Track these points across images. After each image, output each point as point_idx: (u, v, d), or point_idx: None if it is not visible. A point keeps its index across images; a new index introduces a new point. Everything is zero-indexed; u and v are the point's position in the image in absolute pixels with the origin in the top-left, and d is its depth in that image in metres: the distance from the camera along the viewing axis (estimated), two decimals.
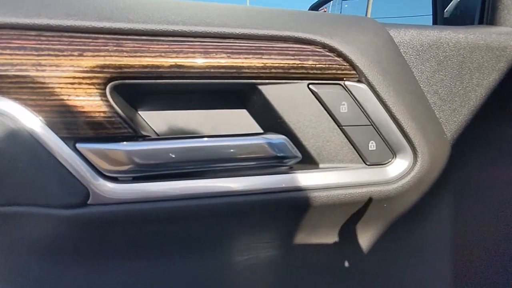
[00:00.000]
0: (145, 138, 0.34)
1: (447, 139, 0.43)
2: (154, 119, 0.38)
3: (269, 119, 0.37)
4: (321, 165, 0.37)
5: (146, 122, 0.37)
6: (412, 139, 0.38)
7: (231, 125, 0.39)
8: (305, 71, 0.36)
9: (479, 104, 0.44)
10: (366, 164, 0.38)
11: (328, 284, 0.43)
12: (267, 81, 0.35)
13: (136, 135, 0.33)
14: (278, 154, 0.36)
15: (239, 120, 0.39)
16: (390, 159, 0.39)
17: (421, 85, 0.41)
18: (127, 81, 0.32)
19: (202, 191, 0.34)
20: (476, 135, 0.44)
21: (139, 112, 0.38)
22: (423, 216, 0.43)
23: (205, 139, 0.35)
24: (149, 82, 0.33)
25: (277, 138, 0.36)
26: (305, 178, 0.36)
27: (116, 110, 0.32)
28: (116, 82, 0.32)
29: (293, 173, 0.36)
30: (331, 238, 0.41)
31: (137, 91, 0.35)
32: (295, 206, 0.37)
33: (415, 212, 0.41)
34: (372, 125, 0.38)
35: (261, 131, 0.39)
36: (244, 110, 0.39)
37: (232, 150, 0.35)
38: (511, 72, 0.44)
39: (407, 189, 0.39)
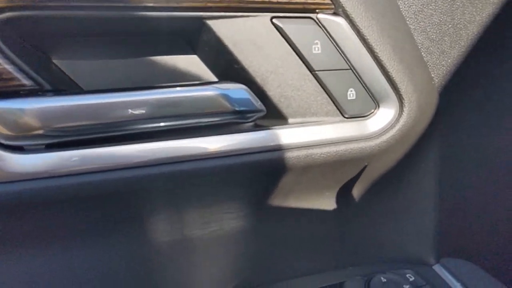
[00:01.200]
0: (58, 92, 0.26)
1: (435, 86, 0.37)
2: (76, 70, 0.29)
3: (224, 64, 0.29)
4: (290, 120, 0.31)
5: (64, 73, 0.29)
6: (399, 85, 0.32)
7: (177, 74, 0.31)
8: (267, 0, 0.28)
9: (470, 44, 0.38)
10: (345, 117, 0.32)
11: (307, 251, 0.38)
12: (218, 13, 0.27)
13: (42, 89, 0.25)
14: (237, 108, 0.29)
15: (187, 68, 0.31)
16: (372, 110, 0.33)
17: (408, 22, 0.34)
18: (25, 12, 0.23)
19: (142, 159, 0.26)
20: (465, 81, 0.39)
21: (55, 61, 0.29)
22: (408, 175, 0.38)
23: (143, 91, 0.27)
24: (58, 14, 0.24)
25: (235, 88, 0.29)
26: (272, 136, 0.29)
27: (7, 54, 0.23)
28: (9, 14, 0.23)
29: (257, 130, 0.29)
30: (306, 202, 0.36)
31: (46, 30, 0.26)
32: (263, 170, 0.30)
33: (400, 170, 0.36)
34: (351, 69, 0.31)
35: (216, 79, 0.31)
36: (195, 56, 0.31)
37: (178, 105, 0.27)
38: (507, 5, 0.38)
39: (392, 145, 0.33)
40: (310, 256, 0.37)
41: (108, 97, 0.26)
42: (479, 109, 0.41)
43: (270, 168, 0.30)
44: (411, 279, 0.35)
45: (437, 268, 0.38)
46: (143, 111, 0.26)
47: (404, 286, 0.34)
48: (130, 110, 0.26)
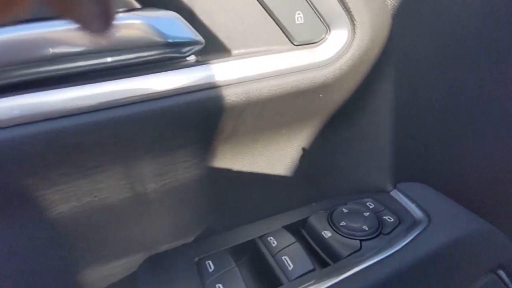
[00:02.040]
0: None
1: (388, 7, 0.34)
2: None
3: None
4: (234, 52, 0.27)
5: None
6: (349, 4, 0.29)
7: None
8: None
9: None
10: (294, 44, 0.29)
11: (268, 192, 0.37)
12: None
13: None
14: (170, 40, 0.25)
15: None
16: (323, 35, 0.30)
17: None
18: None
19: (71, 106, 0.22)
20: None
21: None
22: (363, 104, 0.37)
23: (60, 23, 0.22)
24: None
25: (165, 15, 0.24)
26: (214, 71, 0.26)
27: None
28: None
29: (197, 66, 0.26)
30: (263, 142, 0.34)
31: None
32: (208, 110, 0.27)
33: (354, 100, 0.35)
34: None
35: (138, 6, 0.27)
36: None
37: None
38: None
39: (346, 72, 0.31)
40: (272, 197, 0.36)
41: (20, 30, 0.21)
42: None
43: (216, 107, 0.27)
44: (371, 207, 0.36)
45: (394, 193, 0.38)
46: (64, 49, 0.22)
47: (365, 213, 0.34)
48: (50, 49, 0.22)
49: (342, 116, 0.34)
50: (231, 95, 0.27)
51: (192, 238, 0.35)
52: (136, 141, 0.27)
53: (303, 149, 0.36)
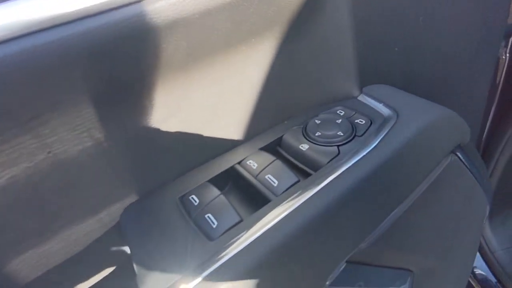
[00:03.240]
0: None
1: None
2: None
3: None
4: None
5: None
6: None
7: None
8: None
9: None
10: None
11: (229, 123, 0.35)
12: None
13: None
14: None
15: None
16: None
17: None
18: None
19: None
20: None
21: None
22: (320, 11, 0.34)
23: None
24: None
25: None
26: None
27: None
28: None
29: None
30: (213, 65, 0.29)
31: None
32: (118, 39, 0.23)
33: (311, 7, 0.32)
34: None
35: None
36: None
37: None
38: None
39: None
40: (242, 122, 0.35)
41: None
42: None
43: (137, 29, 0.23)
44: (342, 113, 0.36)
45: (362, 97, 0.39)
46: None
47: (337, 121, 0.34)
48: None
49: (301, 20, 0.32)
50: (159, 11, 0.23)
51: (170, 179, 0.33)
52: (73, 81, 0.23)
53: (266, 64, 0.34)
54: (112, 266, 0.34)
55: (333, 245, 0.28)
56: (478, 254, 1.02)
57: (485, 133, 0.89)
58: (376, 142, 0.31)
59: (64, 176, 0.27)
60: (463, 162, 0.42)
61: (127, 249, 0.34)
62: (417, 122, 0.33)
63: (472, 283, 0.99)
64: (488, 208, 0.65)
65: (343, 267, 0.31)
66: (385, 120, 0.34)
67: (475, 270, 1.00)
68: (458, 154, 0.39)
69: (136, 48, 0.24)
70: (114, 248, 0.33)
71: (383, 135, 0.32)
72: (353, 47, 0.37)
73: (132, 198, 0.31)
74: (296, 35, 0.33)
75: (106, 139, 0.28)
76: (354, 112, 0.36)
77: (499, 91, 0.78)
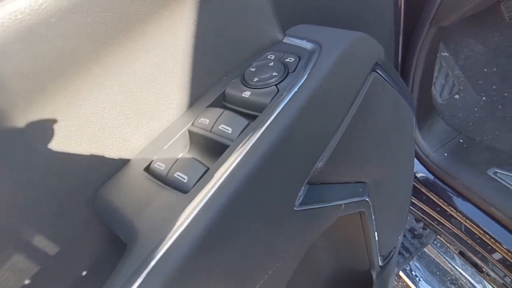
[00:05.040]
0: None
1: None
2: None
3: None
4: None
5: None
6: None
7: None
8: None
9: None
10: None
11: (171, 95, 0.35)
12: None
13: None
14: None
15: None
16: None
17: None
18: None
19: None
20: None
21: None
22: None
23: None
24: None
25: None
26: None
27: None
28: None
29: None
30: (137, 40, 0.30)
31: None
32: None
33: None
34: None
35: None
36: None
37: None
38: None
39: None
40: (182, 88, 0.36)
41: None
42: None
43: None
44: (273, 57, 0.39)
45: (286, 39, 0.42)
46: None
47: (270, 64, 0.37)
48: None
49: None
50: None
51: (128, 155, 0.34)
52: None
53: (191, 29, 0.35)
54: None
55: (292, 168, 0.31)
56: (417, 160, 1.18)
57: (399, 54, 0.99)
58: (307, 73, 0.35)
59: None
60: (384, 78, 0.48)
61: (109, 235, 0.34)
62: (338, 48, 0.37)
63: (416, 185, 1.14)
64: (414, 118, 0.76)
65: (306, 189, 0.35)
66: (311, 53, 0.38)
67: (416, 174, 1.15)
68: (378, 71, 0.45)
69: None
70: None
71: (311, 65, 0.36)
72: None
73: (100, 182, 0.31)
74: None
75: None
76: (283, 54, 0.38)
77: (402, 14, 0.87)
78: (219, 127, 0.32)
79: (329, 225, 0.41)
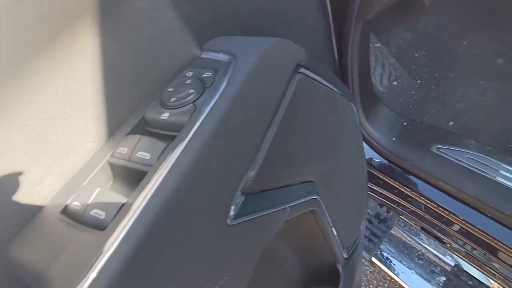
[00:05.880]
0: None
1: None
2: None
3: None
4: None
5: None
6: None
7: None
8: None
9: None
10: None
11: (88, 128, 0.34)
12: None
13: None
14: None
15: None
16: None
17: None
18: None
19: None
20: None
21: None
22: None
23: None
24: None
25: None
26: None
27: None
28: None
29: None
30: None
31: None
32: None
33: None
34: None
35: None
36: None
37: None
38: None
39: None
40: (102, 118, 0.34)
41: None
42: None
43: None
44: (190, 74, 0.38)
45: (204, 54, 0.42)
46: None
47: (187, 82, 0.36)
48: None
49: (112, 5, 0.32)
50: None
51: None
52: None
53: (99, 59, 0.34)
54: None
55: (218, 184, 0.31)
56: (370, 148, 1.23)
57: (335, 51, 1.03)
58: (224, 85, 0.35)
59: None
60: (310, 77, 0.49)
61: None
62: (252, 57, 0.37)
63: (372, 172, 1.19)
64: (354, 108, 0.79)
65: (241, 200, 0.35)
66: (227, 65, 0.38)
67: (371, 161, 1.20)
68: (302, 72, 0.46)
69: None
70: None
71: (228, 78, 0.36)
72: (174, 15, 0.39)
73: (10, 235, 0.29)
74: (114, 19, 0.33)
75: None
76: (200, 69, 0.38)
77: (330, 13, 0.91)
78: (137, 155, 0.31)
79: (275, 231, 0.41)
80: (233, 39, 0.43)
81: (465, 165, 0.97)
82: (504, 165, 0.94)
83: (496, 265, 0.96)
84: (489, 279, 1.03)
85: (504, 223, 0.88)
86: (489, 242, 0.93)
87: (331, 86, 0.59)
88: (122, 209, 0.27)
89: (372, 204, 1.38)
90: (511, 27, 1.30)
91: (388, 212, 1.34)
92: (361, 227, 0.88)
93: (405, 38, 1.44)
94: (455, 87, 1.22)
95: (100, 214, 0.27)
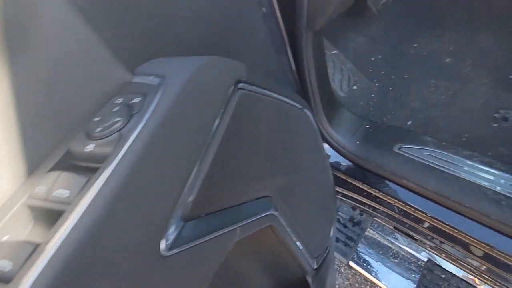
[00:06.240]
0: None
1: None
2: None
3: None
4: None
5: None
6: None
7: None
8: None
9: None
10: None
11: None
12: None
13: None
14: None
15: None
16: None
17: None
18: None
19: None
20: None
21: None
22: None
23: None
24: None
25: None
26: None
27: None
28: None
29: None
30: None
31: None
32: None
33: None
34: None
35: None
36: None
37: None
38: None
39: None
40: (23, 154, 0.32)
41: None
42: None
43: None
44: (120, 101, 0.37)
45: (135, 78, 0.40)
46: None
47: (113, 110, 0.35)
48: None
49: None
50: None
51: None
52: None
53: (13, 95, 0.32)
54: None
55: (145, 215, 0.29)
56: (338, 154, 1.24)
57: (291, 62, 1.05)
58: (151, 110, 0.33)
59: None
60: (252, 92, 0.49)
61: None
62: (182, 78, 0.37)
63: (341, 176, 1.20)
64: (308, 114, 0.79)
65: (179, 228, 0.34)
66: (156, 88, 0.37)
67: (339, 165, 1.22)
68: (243, 87, 0.46)
69: None
70: None
71: (156, 102, 0.34)
72: (98, 40, 0.37)
73: None
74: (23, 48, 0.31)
75: None
76: (129, 95, 0.37)
77: (282, 25, 0.92)
78: (56, 193, 0.29)
79: (224, 255, 0.40)
80: (167, 60, 0.42)
81: (425, 162, 1.00)
82: (460, 158, 0.98)
83: (464, 256, 0.99)
84: (461, 270, 1.05)
85: (465, 214, 0.90)
86: (454, 234, 0.95)
87: (279, 97, 0.59)
88: (31, 256, 0.24)
89: (346, 208, 1.39)
90: (455, 27, 1.38)
91: (361, 215, 1.35)
92: (331, 234, 0.88)
93: (361, 43, 1.50)
94: (410, 87, 1.27)
95: (5, 266, 0.24)
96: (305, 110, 0.79)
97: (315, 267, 0.72)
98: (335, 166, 1.20)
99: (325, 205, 0.89)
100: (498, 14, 1.35)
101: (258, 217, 0.49)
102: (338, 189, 1.25)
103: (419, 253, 1.19)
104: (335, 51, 1.41)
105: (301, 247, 0.64)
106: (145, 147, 0.30)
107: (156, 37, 0.50)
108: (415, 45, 1.40)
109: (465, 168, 0.95)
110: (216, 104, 0.40)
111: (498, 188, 0.88)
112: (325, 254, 0.80)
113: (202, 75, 0.39)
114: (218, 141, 0.39)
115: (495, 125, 1.04)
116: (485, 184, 0.90)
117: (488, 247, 0.89)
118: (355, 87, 1.36)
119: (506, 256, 0.85)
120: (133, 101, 0.36)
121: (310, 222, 0.75)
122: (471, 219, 0.90)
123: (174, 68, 0.39)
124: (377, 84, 1.35)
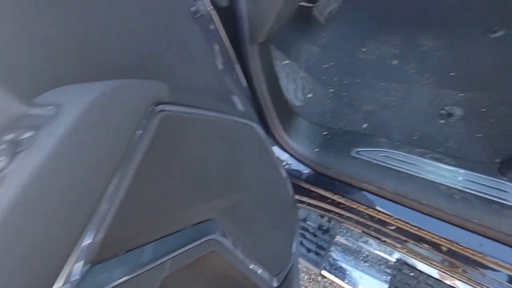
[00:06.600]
0: None
1: None
2: None
3: None
4: None
5: None
6: None
7: None
8: None
9: None
10: None
11: None
12: None
13: None
14: None
15: None
16: None
17: None
18: None
19: None
20: None
21: None
22: None
23: None
24: None
25: None
26: None
27: None
28: None
29: None
30: None
31: None
32: None
33: None
34: None
35: None
36: None
37: None
38: None
39: None
40: None
41: None
42: None
43: None
44: (7, 138, 0.33)
45: (33, 110, 0.36)
46: None
47: None
48: None
49: None
50: None
51: None
52: None
53: None
54: None
55: (32, 262, 0.25)
56: (296, 161, 1.23)
57: (242, 77, 1.03)
58: (42, 144, 0.30)
59: None
60: (175, 112, 0.46)
61: None
62: (79, 106, 0.33)
63: (303, 185, 1.19)
64: (254, 127, 0.77)
65: (85, 272, 0.30)
66: (52, 119, 0.33)
67: (300, 175, 1.21)
68: (164, 109, 0.43)
69: None
70: None
71: (48, 134, 0.31)
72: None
73: None
74: None
75: None
76: (20, 130, 0.33)
77: (226, 39, 0.91)
78: None
79: None
80: (71, 88, 0.39)
81: (381, 163, 1.01)
82: (413, 156, 0.99)
83: (429, 253, 0.99)
84: (427, 267, 1.06)
85: (424, 211, 0.91)
86: (417, 233, 0.96)
87: (214, 115, 0.57)
88: None
89: (314, 217, 1.38)
90: (399, 32, 1.44)
91: (329, 222, 1.34)
92: (293, 249, 0.85)
93: (313, 52, 1.52)
94: (362, 91, 1.29)
95: None
96: (252, 124, 0.77)
97: (276, 285, 0.69)
98: (297, 175, 1.19)
99: (284, 219, 0.86)
100: (437, 17, 1.43)
101: (195, 244, 0.46)
102: (303, 198, 1.24)
103: (389, 254, 1.20)
104: (286, 61, 1.42)
105: (256, 268, 0.61)
106: (23, 189, 0.27)
107: (74, 61, 0.47)
108: (364, 49, 1.44)
109: (419, 165, 0.97)
110: (127, 129, 0.37)
111: (450, 183, 0.90)
112: (288, 270, 0.78)
113: (107, 100, 0.36)
114: (134, 169, 0.36)
115: (442, 121, 1.07)
116: (438, 179, 0.91)
117: (448, 242, 0.90)
118: (310, 95, 1.37)
119: (465, 249, 0.86)
120: (23, 137, 0.32)
121: (267, 239, 0.72)
122: (429, 215, 0.91)
123: (74, 95, 0.35)
124: (331, 90, 1.37)
